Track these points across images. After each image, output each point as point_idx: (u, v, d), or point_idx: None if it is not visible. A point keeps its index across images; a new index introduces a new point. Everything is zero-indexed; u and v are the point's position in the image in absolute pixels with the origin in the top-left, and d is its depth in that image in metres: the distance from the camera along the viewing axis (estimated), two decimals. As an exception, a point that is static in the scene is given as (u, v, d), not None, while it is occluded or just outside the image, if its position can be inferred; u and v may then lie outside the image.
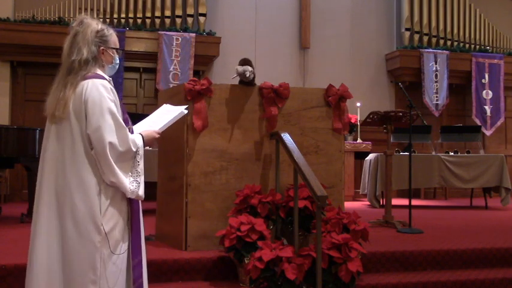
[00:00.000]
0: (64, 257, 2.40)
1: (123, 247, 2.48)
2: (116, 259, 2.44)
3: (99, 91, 2.41)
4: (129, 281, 2.52)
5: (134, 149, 2.48)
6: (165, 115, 2.84)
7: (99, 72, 2.52)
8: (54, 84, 2.51)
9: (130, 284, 2.52)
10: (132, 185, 2.46)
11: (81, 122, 2.41)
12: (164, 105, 2.94)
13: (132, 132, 2.60)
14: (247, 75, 4.20)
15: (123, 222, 2.48)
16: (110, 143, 2.37)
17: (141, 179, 2.51)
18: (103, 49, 2.54)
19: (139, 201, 2.60)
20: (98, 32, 2.53)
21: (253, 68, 4.28)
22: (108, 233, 2.40)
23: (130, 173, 2.47)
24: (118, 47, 2.64)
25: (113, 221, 2.43)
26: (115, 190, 2.45)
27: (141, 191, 2.50)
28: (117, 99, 2.51)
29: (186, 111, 2.87)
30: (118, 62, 2.66)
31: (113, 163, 2.38)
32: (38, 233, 2.44)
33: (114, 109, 2.42)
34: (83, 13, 8.71)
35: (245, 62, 4.27)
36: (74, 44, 2.50)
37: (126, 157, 2.46)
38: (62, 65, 2.52)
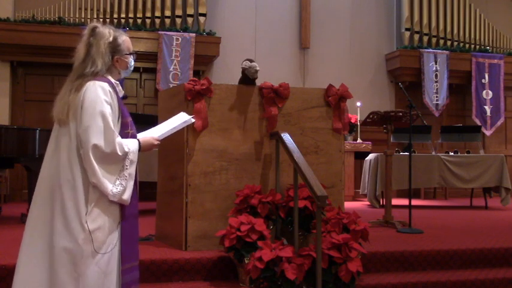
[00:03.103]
0: (51, 252, 2.43)
1: (109, 248, 2.47)
2: (100, 259, 2.43)
3: (96, 92, 2.45)
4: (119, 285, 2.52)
5: (120, 153, 2.47)
6: (173, 123, 2.86)
7: (108, 76, 2.57)
8: (63, 89, 2.56)
9: None
10: (116, 188, 2.45)
11: (77, 121, 2.45)
12: (181, 113, 2.95)
13: (134, 137, 2.61)
14: (257, 69, 4.23)
15: (110, 223, 2.47)
16: (94, 145, 2.39)
17: (128, 184, 2.50)
18: (117, 58, 2.60)
19: (136, 207, 2.60)
20: (110, 42, 2.57)
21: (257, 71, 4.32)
22: (92, 232, 2.40)
23: (117, 176, 2.47)
24: (131, 50, 2.68)
25: (98, 221, 2.43)
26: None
27: (126, 196, 2.49)
28: (116, 102, 2.53)
29: (192, 120, 2.96)
30: (133, 64, 2.72)
31: (95, 164, 2.39)
32: (29, 227, 2.50)
33: (107, 111, 2.44)
34: (87, 15, 8.71)
35: (251, 61, 4.29)
36: (88, 56, 2.54)
37: (113, 160, 2.46)
38: (73, 71, 2.57)
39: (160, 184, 4.57)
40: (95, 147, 2.39)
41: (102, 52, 2.54)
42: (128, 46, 2.65)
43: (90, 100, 2.43)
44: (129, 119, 2.61)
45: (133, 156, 2.53)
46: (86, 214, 2.41)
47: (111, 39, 2.58)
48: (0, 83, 8.58)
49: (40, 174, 2.55)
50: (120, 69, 2.64)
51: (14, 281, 2.51)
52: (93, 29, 2.58)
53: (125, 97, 2.74)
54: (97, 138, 2.40)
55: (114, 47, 2.58)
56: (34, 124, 7.61)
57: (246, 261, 3.49)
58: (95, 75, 2.51)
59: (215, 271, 3.78)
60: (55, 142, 2.53)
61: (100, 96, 2.44)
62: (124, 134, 2.56)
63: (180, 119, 2.87)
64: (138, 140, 2.61)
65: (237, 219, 3.66)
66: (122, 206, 2.52)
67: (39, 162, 6.04)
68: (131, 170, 2.52)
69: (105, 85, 2.49)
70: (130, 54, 2.66)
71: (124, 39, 2.64)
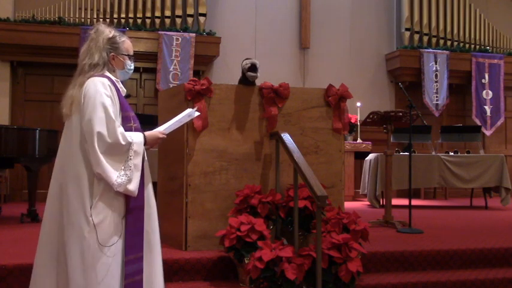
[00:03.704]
0: (60, 245, 2.52)
1: (114, 240, 2.51)
2: (106, 251, 2.48)
3: (96, 87, 2.54)
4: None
5: (123, 143, 2.52)
6: (178, 116, 2.88)
7: (107, 73, 2.66)
8: (69, 85, 2.68)
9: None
10: (121, 179, 2.50)
11: (80, 115, 2.55)
12: (188, 109, 2.97)
13: (138, 130, 2.66)
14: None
15: (115, 216, 2.52)
16: (99, 133, 2.46)
17: (134, 175, 2.54)
18: (113, 55, 2.70)
19: (146, 200, 2.64)
20: (109, 39, 2.70)
21: (258, 69, 4.27)
22: (96, 225, 2.46)
23: (123, 167, 2.52)
24: (130, 53, 2.78)
25: (103, 213, 2.49)
26: (108, 184, 2.50)
27: (132, 186, 2.53)
28: (116, 96, 2.61)
29: (197, 113, 2.99)
30: (131, 67, 2.81)
31: (100, 154, 2.46)
32: (44, 223, 2.62)
33: (107, 103, 2.52)
34: (87, 15, 8.72)
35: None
36: (88, 49, 2.67)
37: (117, 150, 2.52)
38: (77, 67, 2.70)
39: (160, 184, 4.57)
40: (99, 135, 2.46)
41: (100, 46, 2.66)
42: (126, 47, 2.76)
43: (90, 94, 2.53)
44: (132, 114, 2.68)
45: (138, 147, 2.58)
46: (90, 208, 2.47)
47: (110, 36, 2.70)
48: (0, 83, 8.58)
49: (53, 172, 2.65)
50: (116, 68, 2.72)
51: (31, 281, 2.61)
52: (97, 27, 2.71)
53: (127, 96, 2.79)
54: (100, 127, 2.47)
55: (112, 44, 2.69)
56: (34, 124, 7.62)
57: (246, 261, 3.49)
58: (93, 68, 2.62)
59: (215, 271, 3.78)
60: (63, 137, 2.64)
61: (99, 90, 2.53)
62: (127, 128, 2.61)
63: (185, 112, 2.90)
64: (143, 133, 2.67)
65: (237, 219, 3.66)
66: (127, 199, 2.56)
67: (39, 162, 6.09)
68: (136, 161, 2.56)
69: (105, 80, 2.59)
70: (128, 56, 2.75)
71: (124, 40, 2.75)
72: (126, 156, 2.54)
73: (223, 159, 4.18)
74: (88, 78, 2.59)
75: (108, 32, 2.70)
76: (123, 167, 2.52)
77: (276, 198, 3.96)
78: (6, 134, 5.46)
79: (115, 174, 2.48)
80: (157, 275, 2.72)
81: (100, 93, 2.52)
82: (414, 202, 6.74)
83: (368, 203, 7.93)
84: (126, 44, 2.75)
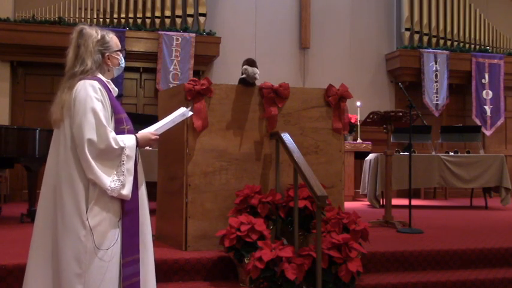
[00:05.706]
0: (54, 250, 2.49)
1: (111, 244, 2.49)
2: (103, 255, 2.46)
3: (86, 90, 2.50)
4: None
5: (116, 147, 2.49)
6: (171, 116, 2.84)
7: (99, 75, 2.61)
8: (57, 92, 2.62)
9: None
10: (114, 184, 2.47)
11: (70, 119, 2.50)
12: (181, 108, 2.93)
13: (131, 132, 2.62)
14: (256, 78, 4.22)
15: (111, 219, 2.50)
16: (89, 140, 2.43)
17: (127, 179, 2.51)
18: (108, 55, 2.65)
19: (139, 201, 2.62)
20: (98, 40, 2.63)
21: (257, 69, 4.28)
22: (93, 228, 2.44)
23: (115, 172, 2.50)
24: (120, 47, 2.74)
25: (99, 217, 2.46)
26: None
27: (125, 191, 2.50)
28: (108, 99, 2.56)
29: (190, 113, 2.93)
30: (123, 61, 2.77)
31: (91, 160, 2.43)
32: (36, 225, 2.58)
33: (98, 108, 2.48)
34: (87, 15, 8.72)
35: (252, 63, 4.25)
36: (78, 56, 2.59)
37: (109, 156, 2.49)
38: (65, 74, 2.62)
39: (160, 184, 4.57)
40: (90, 142, 2.43)
41: (91, 51, 2.59)
42: (116, 43, 2.70)
43: (80, 98, 2.48)
44: (124, 115, 2.63)
45: (130, 151, 2.55)
46: (86, 211, 2.45)
47: (99, 37, 2.63)
48: (0, 83, 8.58)
49: (44, 176, 2.61)
50: (113, 66, 2.69)
51: (24, 283, 2.57)
52: (80, 31, 2.63)
53: (120, 95, 2.76)
54: (90, 134, 2.44)
55: (103, 45, 2.64)
56: (34, 124, 7.62)
57: (246, 261, 3.49)
58: (86, 73, 2.55)
59: (215, 271, 3.78)
60: (55, 142, 2.58)
61: (90, 94, 2.49)
62: (120, 130, 2.58)
63: (178, 112, 2.85)
64: (135, 135, 2.63)
65: (237, 219, 3.66)
66: (122, 201, 2.54)
67: (39, 162, 6.10)
68: (129, 165, 2.53)
69: (95, 83, 2.54)
70: (119, 50, 2.71)
71: (111, 36, 2.70)
72: (118, 161, 2.51)
73: (223, 159, 4.18)
74: (78, 81, 2.53)
75: (95, 33, 2.63)
76: (115, 172, 2.49)
77: (276, 198, 3.96)
78: (6, 134, 5.46)
79: (108, 180, 2.46)
80: (151, 275, 2.70)
81: (91, 98, 2.48)
82: (414, 202, 6.74)
83: (368, 203, 7.93)
84: (114, 39, 2.70)
